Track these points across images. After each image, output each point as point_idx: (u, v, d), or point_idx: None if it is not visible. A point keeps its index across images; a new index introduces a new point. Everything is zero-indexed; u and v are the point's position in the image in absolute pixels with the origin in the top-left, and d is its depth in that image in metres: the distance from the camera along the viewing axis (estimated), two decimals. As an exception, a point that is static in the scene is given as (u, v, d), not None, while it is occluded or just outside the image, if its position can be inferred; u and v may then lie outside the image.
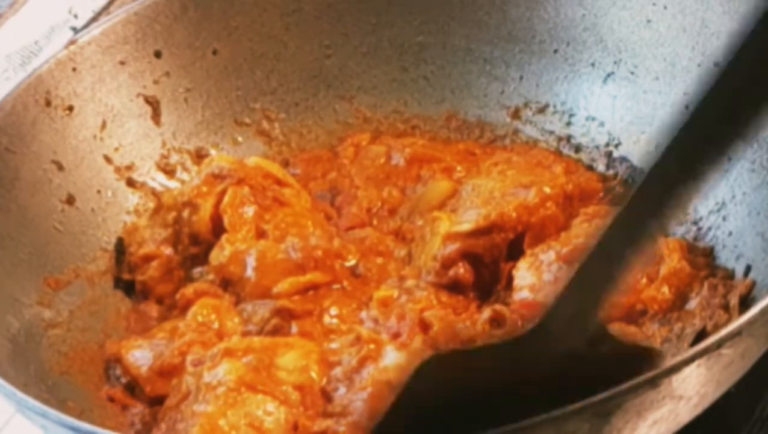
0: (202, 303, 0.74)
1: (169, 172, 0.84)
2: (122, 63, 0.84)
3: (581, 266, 0.57)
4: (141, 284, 0.79)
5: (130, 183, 0.83)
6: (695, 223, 0.75)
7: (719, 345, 0.55)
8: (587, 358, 0.58)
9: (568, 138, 0.83)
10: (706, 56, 0.76)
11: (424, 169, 0.82)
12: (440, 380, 0.59)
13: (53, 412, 0.61)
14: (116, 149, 0.83)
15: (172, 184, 0.84)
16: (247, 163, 0.80)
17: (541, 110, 0.85)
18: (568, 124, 0.84)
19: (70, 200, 0.80)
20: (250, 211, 0.77)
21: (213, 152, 0.85)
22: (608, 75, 0.82)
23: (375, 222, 0.80)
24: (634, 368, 0.56)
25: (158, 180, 0.84)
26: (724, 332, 0.55)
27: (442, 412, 0.58)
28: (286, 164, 0.85)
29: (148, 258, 0.79)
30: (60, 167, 0.79)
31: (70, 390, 0.71)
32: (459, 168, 0.82)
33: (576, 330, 0.58)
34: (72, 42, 0.82)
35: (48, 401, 0.65)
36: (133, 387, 0.72)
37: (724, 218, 0.73)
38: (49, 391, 0.69)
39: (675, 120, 0.56)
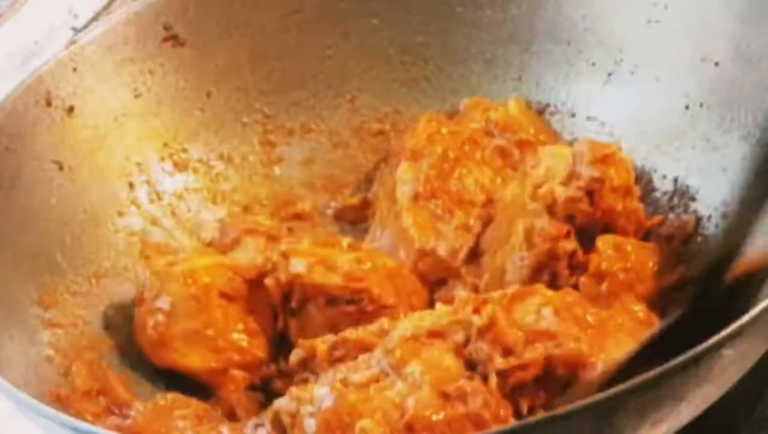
0: None
1: (170, 173, 0.84)
2: (123, 63, 0.84)
3: None
4: None
5: (131, 184, 0.83)
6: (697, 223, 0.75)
7: (720, 345, 0.55)
8: None
9: (569, 138, 0.83)
10: (706, 56, 0.77)
11: None
12: None
13: (54, 412, 0.61)
14: (117, 150, 0.83)
15: (172, 185, 0.84)
16: None
17: (541, 110, 0.84)
18: (569, 124, 0.84)
19: (71, 201, 0.80)
20: None
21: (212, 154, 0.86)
22: (609, 75, 0.82)
23: None
24: None
25: (158, 181, 0.84)
26: (724, 332, 0.55)
27: None
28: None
29: None
30: (60, 168, 0.79)
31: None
32: None
33: None
34: (72, 42, 0.82)
35: (48, 402, 0.65)
36: None
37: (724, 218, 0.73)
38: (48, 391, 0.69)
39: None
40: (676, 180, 0.78)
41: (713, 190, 0.75)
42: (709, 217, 0.75)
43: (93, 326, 0.77)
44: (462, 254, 0.76)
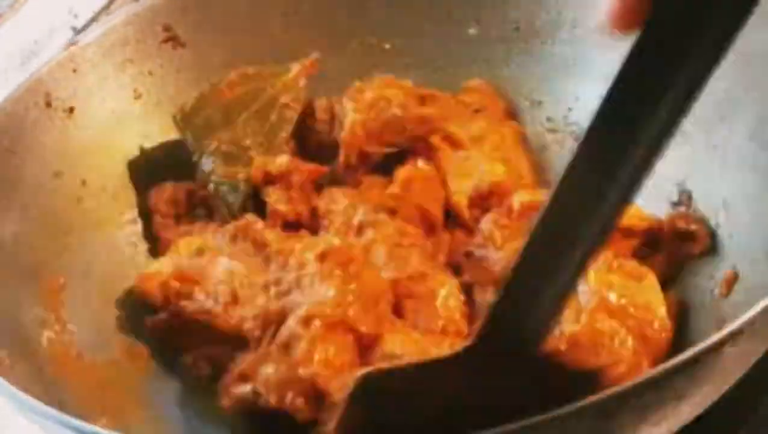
0: None
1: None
2: (123, 64, 0.84)
3: (521, 258, 0.52)
4: None
5: (131, 184, 0.83)
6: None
7: (721, 343, 0.55)
8: (529, 374, 0.54)
9: (568, 137, 0.83)
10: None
11: None
12: (376, 402, 0.56)
13: (54, 412, 0.61)
14: (117, 151, 0.83)
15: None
16: None
17: (541, 109, 0.85)
18: (568, 123, 0.84)
19: (72, 201, 0.80)
20: None
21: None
22: (609, 74, 0.82)
23: None
24: (577, 387, 0.54)
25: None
26: (726, 330, 0.55)
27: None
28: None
29: None
30: (61, 168, 0.79)
31: (70, 390, 0.71)
32: None
33: (516, 344, 0.53)
34: (72, 43, 0.82)
35: (48, 402, 0.65)
36: None
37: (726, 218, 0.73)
38: (48, 392, 0.69)
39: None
40: (677, 183, 0.78)
41: (713, 189, 0.75)
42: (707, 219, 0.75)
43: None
44: None
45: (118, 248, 0.81)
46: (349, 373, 0.63)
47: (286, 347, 0.66)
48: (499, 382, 0.54)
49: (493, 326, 0.54)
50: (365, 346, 0.67)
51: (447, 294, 0.70)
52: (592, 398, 0.54)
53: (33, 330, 0.73)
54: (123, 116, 0.83)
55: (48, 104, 0.80)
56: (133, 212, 0.82)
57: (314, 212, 0.78)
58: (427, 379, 0.56)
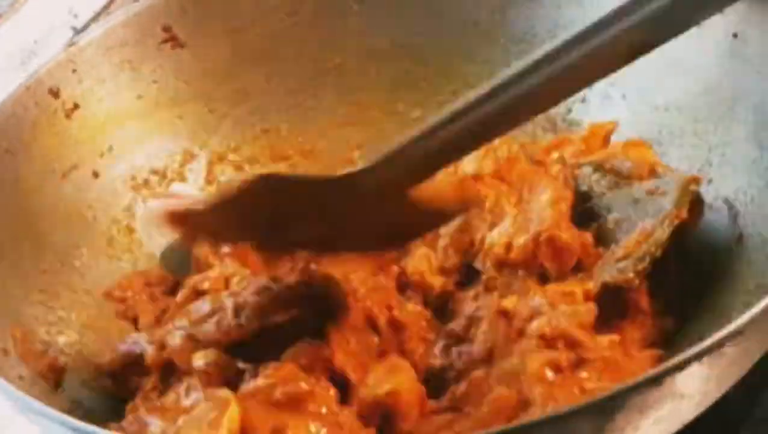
0: None
1: (171, 172, 0.84)
2: (122, 64, 0.84)
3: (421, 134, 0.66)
4: None
5: (131, 185, 0.83)
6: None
7: (722, 343, 0.55)
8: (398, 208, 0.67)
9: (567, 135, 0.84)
10: (706, 55, 0.76)
11: None
12: (265, 198, 0.66)
13: (54, 412, 0.61)
14: (117, 151, 0.83)
15: (173, 185, 0.84)
16: None
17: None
18: (568, 123, 0.84)
19: (71, 202, 0.80)
20: None
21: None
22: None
23: None
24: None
25: (159, 182, 0.84)
26: (726, 330, 0.55)
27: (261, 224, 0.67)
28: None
29: None
30: (61, 169, 0.79)
31: (70, 389, 0.72)
32: None
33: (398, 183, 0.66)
34: (72, 43, 0.83)
35: (48, 401, 0.65)
36: None
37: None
38: (48, 391, 0.69)
39: None
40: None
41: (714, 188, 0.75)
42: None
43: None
44: None
45: (117, 249, 0.81)
46: None
47: None
48: (370, 212, 0.67)
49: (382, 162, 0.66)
50: None
51: None
52: (592, 398, 0.54)
53: (34, 328, 0.73)
54: (122, 116, 0.83)
55: (48, 105, 0.80)
56: (131, 214, 0.82)
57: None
58: (315, 195, 0.68)
